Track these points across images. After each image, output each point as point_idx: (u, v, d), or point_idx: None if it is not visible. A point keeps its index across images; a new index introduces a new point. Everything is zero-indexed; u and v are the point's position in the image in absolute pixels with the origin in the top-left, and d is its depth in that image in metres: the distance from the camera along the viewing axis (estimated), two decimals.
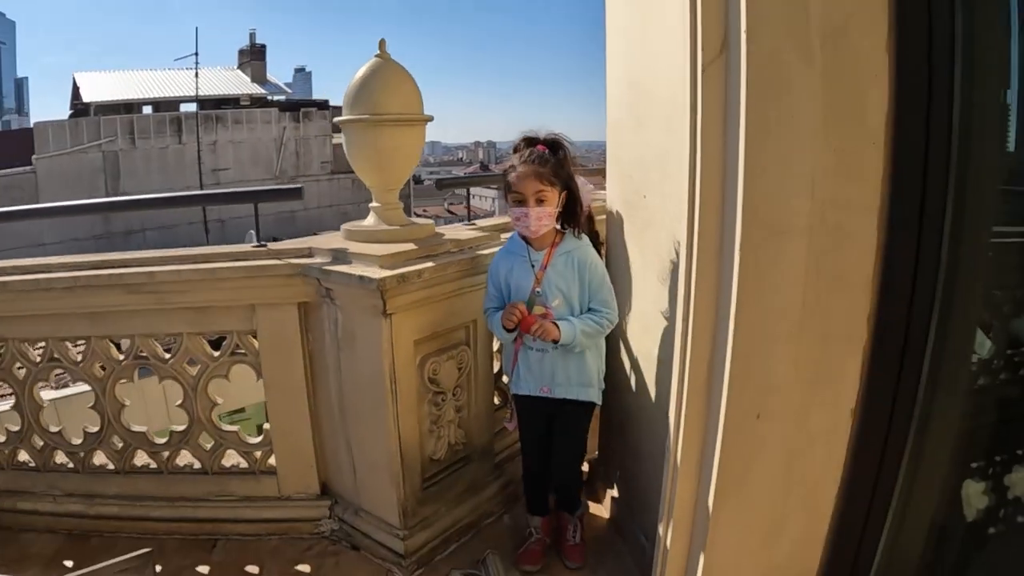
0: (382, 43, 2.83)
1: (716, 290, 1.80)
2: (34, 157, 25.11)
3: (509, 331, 2.66)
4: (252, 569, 3.01)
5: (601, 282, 2.68)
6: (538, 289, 2.64)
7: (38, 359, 3.31)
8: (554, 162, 2.58)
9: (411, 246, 2.83)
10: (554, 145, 2.63)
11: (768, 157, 1.62)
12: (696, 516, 2.04)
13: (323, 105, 29.86)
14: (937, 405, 1.85)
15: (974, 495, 1.94)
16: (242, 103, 29.99)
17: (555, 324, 2.56)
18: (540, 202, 2.55)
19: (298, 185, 4.86)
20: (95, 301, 3.10)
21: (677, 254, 2.24)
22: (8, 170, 23.72)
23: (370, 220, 3.05)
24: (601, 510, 3.37)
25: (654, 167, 2.47)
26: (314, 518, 3.23)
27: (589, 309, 2.66)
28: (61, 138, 26.55)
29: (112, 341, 3.29)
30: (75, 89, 32.66)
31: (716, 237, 1.75)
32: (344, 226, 3.09)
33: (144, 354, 3.18)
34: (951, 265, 1.72)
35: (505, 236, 3.05)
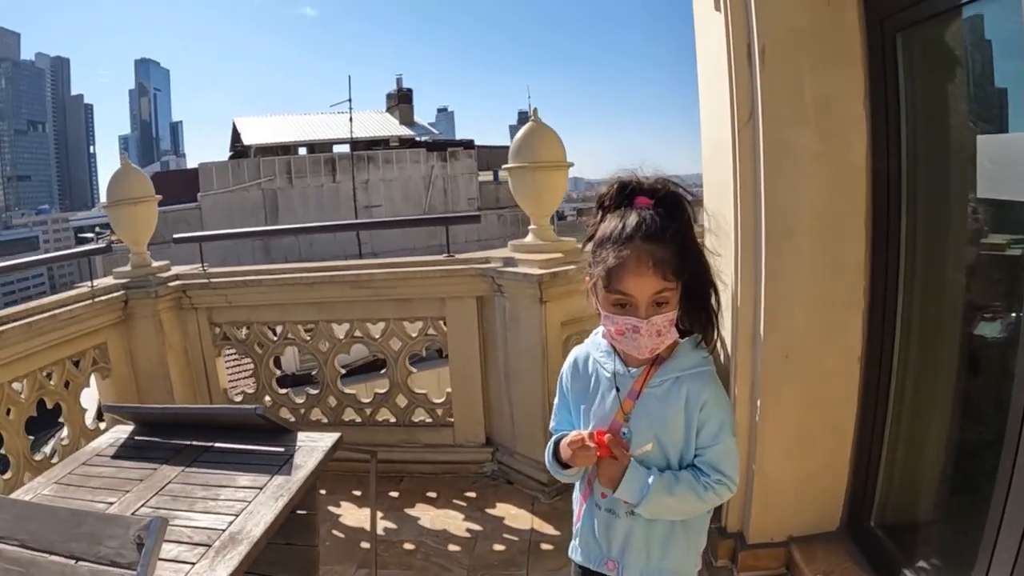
0: (535, 111, 4.23)
1: (753, 272, 2.98)
2: (199, 194, 28.49)
3: (563, 467, 1.95)
4: (431, 495, 4.36)
5: (718, 432, 1.83)
6: (624, 429, 1.87)
7: (274, 339, 4.88)
8: (677, 232, 1.74)
9: (559, 255, 4.14)
10: (672, 202, 1.79)
11: (780, 184, 2.81)
12: (749, 434, 3.16)
13: (468, 145, 32.34)
14: (919, 356, 2.93)
15: (951, 418, 2.96)
16: (392, 144, 32.98)
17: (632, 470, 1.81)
18: (659, 306, 1.73)
19: (477, 212, 6.32)
20: (327, 293, 4.64)
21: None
22: (177, 206, 26.99)
23: (529, 238, 4.39)
24: None
25: (716, 190, 3.55)
26: (479, 461, 4.57)
27: (692, 465, 1.85)
28: (224, 177, 30.26)
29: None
30: (235, 132, 36.99)
31: (752, 235, 2.94)
32: (510, 242, 4.46)
33: (359, 334, 4.67)
34: (916, 251, 2.82)
35: None
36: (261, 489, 2.27)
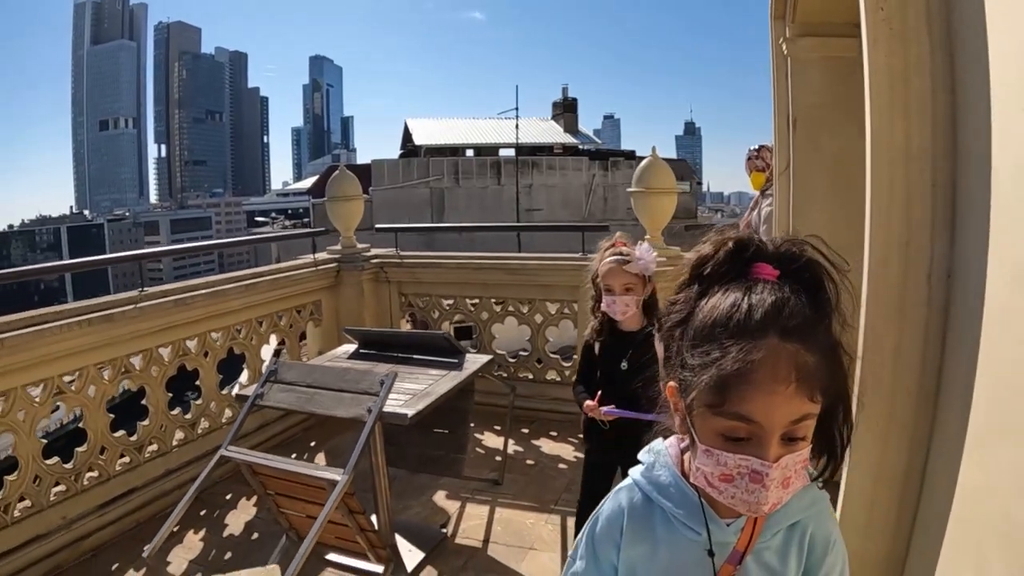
0: (654, 148, 5.74)
1: None
2: (371, 189, 31.17)
3: None
4: (552, 433, 5.92)
5: None
6: None
7: (447, 308, 6.63)
8: (823, 324, 1.13)
9: (664, 259, 5.62)
10: (812, 278, 1.16)
11: (804, 220, 4.21)
12: None
13: (630, 155, 33.85)
14: None
15: None
16: (555, 151, 34.97)
17: None
18: (792, 442, 1.12)
19: (605, 224, 7.92)
20: (490, 277, 6.36)
21: None
22: None
23: (646, 244, 5.89)
24: None
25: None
26: None
27: None
28: (394, 174, 33.16)
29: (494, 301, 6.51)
30: (406, 132, 40.27)
31: None
32: None
33: (511, 309, 6.35)
34: None
35: None
36: (442, 376, 3.97)
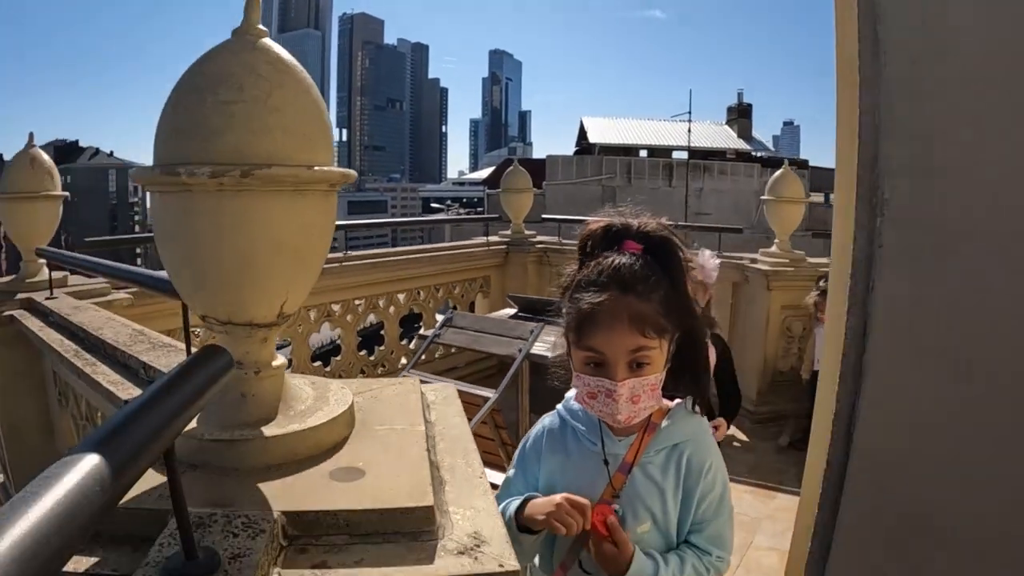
0: (786, 161, 6.54)
1: None
2: (544, 183, 32.23)
3: (531, 533, 1.63)
4: None
5: (719, 504, 1.68)
6: (616, 506, 1.63)
7: None
8: (664, 283, 1.56)
9: (787, 260, 6.39)
10: (663, 248, 1.60)
11: None
12: None
13: (803, 164, 33.34)
14: None
15: None
16: (727, 156, 35.04)
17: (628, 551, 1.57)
18: (638, 366, 1.53)
19: (739, 227, 8.69)
20: None
21: None
22: None
23: (773, 247, 6.64)
24: None
25: None
26: None
27: (686, 541, 1.67)
28: (568, 170, 34.29)
29: None
30: (581, 130, 41.39)
31: None
32: (760, 249, 6.75)
33: None
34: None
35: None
36: None
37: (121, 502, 1.02)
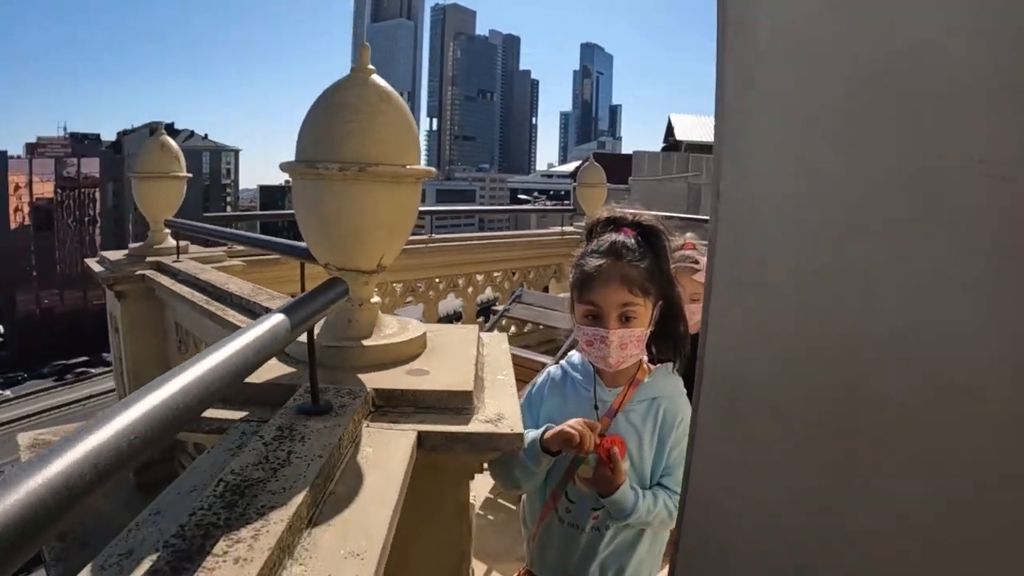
0: None
1: None
2: (631, 178, 32.28)
3: (551, 454, 1.88)
4: None
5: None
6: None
7: None
8: (650, 258, 1.94)
9: None
10: (649, 232, 2.00)
11: None
12: None
13: None
14: None
15: None
16: None
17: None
18: (627, 320, 1.89)
19: None
20: None
21: None
22: (612, 185, 31.22)
23: None
24: None
25: None
26: None
27: (659, 484, 1.95)
28: (654, 166, 34.31)
29: None
30: (669, 127, 41.47)
31: None
32: None
33: None
34: None
35: None
36: None
37: (262, 379, 1.80)
